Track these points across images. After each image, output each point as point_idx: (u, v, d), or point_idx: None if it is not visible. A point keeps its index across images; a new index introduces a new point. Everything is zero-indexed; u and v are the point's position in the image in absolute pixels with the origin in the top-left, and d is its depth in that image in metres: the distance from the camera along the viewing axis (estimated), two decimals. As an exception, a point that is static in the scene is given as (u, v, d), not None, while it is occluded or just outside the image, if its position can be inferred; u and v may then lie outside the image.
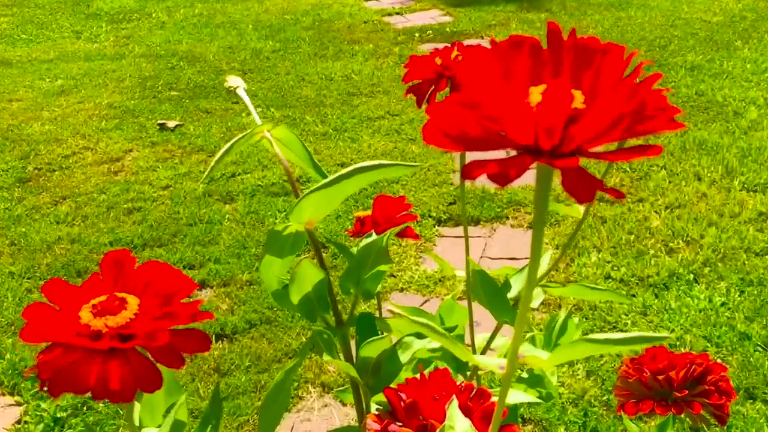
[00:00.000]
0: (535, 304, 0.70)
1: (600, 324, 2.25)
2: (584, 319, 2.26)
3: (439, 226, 2.91)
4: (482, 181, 3.12)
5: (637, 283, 2.46)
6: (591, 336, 0.33)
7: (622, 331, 2.25)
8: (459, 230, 2.84)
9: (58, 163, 3.67)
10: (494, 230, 2.84)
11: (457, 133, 0.29)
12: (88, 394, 0.48)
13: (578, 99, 0.27)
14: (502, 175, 0.27)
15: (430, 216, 2.97)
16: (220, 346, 2.32)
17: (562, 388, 2.02)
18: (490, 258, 2.64)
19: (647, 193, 3.02)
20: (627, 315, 2.30)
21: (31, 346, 2.27)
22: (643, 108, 0.26)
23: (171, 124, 4.00)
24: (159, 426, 0.61)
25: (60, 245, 2.93)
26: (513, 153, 0.29)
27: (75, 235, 3.02)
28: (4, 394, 2.09)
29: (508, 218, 2.90)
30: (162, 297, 0.51)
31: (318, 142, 3.73)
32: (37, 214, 3.23)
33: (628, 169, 3.22)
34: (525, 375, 0.78)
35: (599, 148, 0.28)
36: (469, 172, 0.28)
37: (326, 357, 0.62)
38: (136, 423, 0.61)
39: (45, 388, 0.47)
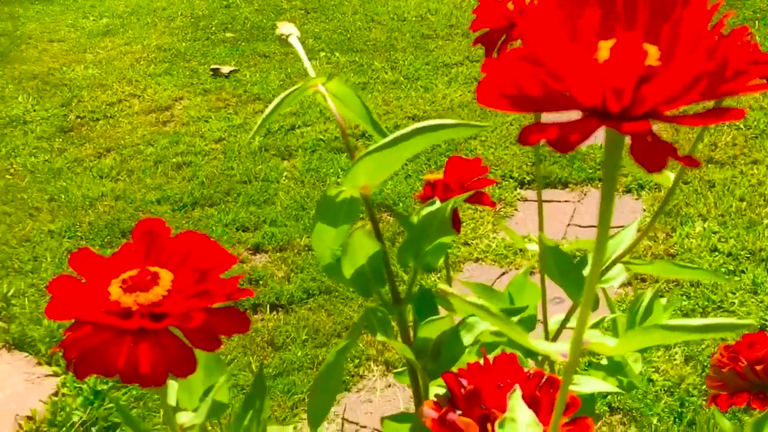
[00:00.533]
0: (614, 283, 0.69)
1: (703, 303, 2.20)
2: (685, 298, 2.22)
3: (521, 188, 2.88)
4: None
5: (747, 258, 2.39)
6: (667, 322, 0.32)
7: (728, 312, 2.19)
8: (546, 193, 2.80)
9: (102, 111, 3.77)
10: (584, 194, 2.79)
11: (514, 93, 0.28)
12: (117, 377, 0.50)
13: (652, 56, 0.26)
14: (563, 140, 0.26)
15: (511, 177, 2.94)
16: (275, 317, 2.37)
17: (656, 374, 1.99)
18: (579, 226, 2.60)
19: (763, 154, 2.91)
20: (734, 293, 2.24)
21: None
22: (726, 67, 0.25)
23: (225, 69, 4.05)
24: (196, 409, 0.63)
25: (103, 202, 3.03)
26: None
27: (119, 192, 3.11)
28: (41, 364, 2.18)
29: (600, 180, 2.85)
30: (198, 272, 0.52)
31: (387, 91, 3.72)
32: (78, 167, 3.33)
33: (741, 126, 3.10)
34: (604, 362, 0.77)
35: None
36: (526, 136, 0.28)
37: (380, 337, 0.62)
38: (173, 404, 0.63)
39: (72, 369, 0.49)
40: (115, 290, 0.51)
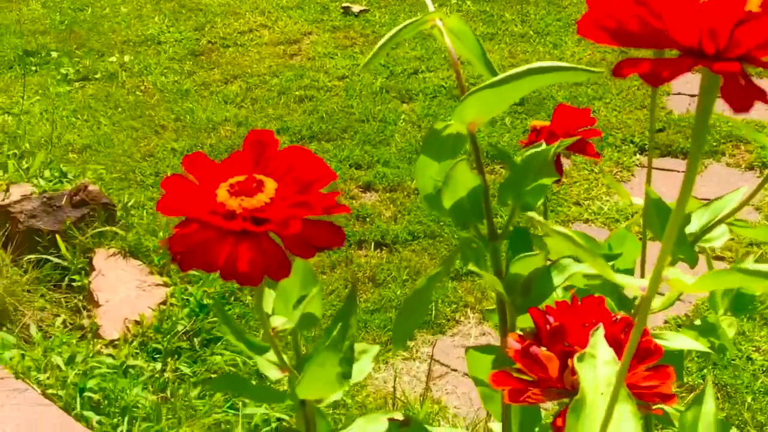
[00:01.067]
0: (717, 243, 0.68)
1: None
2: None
3: (641, 154, 2.81)
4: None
5: None
6: (746, 266, 0.32)
7: None
8: (666, 162, 2.73)
9: (233, 38, 3.87)
10: (705, 167, 2.71)
11: (614, 27, 0.29)
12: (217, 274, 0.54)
13: (754, 2, 0.26)
14: (655, 74, 0.27)
15: (631, 142, 2.87)
16: (378, 255, 2.42)
17: (756, 354, 1.94)
18: (695, 197, 2.52)
19: None
20: None
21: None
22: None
23: (356, 8, 4.08)
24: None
25: (225, 126, 3.13)
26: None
27: (242, 118, 3.20)
28: (152, 273, 2.30)
29: (724, 155, 2.75)
30: (300, 184, 0.54)
31: (515, 44, 3.67)
32: (205, 90, 3.44)
33: None
34: (698, 322, 0.76)
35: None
36: (619, 69, 0.28)
37: (472, 266, 0.64)
38: (269, 311, 0.67)
39: (176, 263, 0.53)
40: (222, 193, 0.54)
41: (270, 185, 0.54)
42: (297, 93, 3.38)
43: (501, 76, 0.65)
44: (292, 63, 3.65)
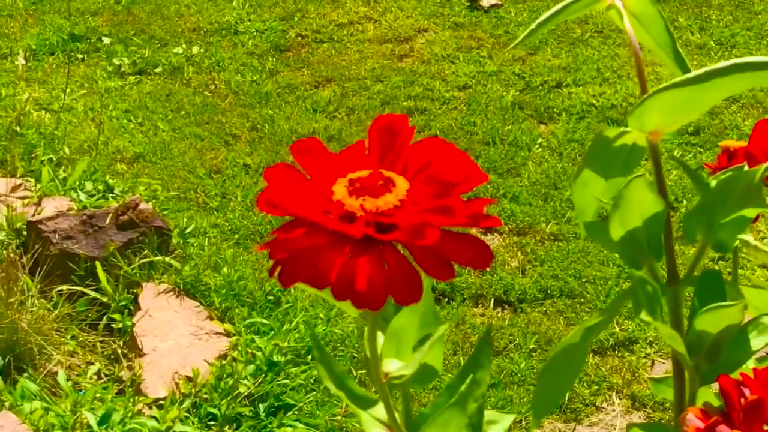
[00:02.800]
0: None
1: None
2: None
3: None
4: None
5: None
6: None
7: None
8: None
9: (329, 32, 3.97)
10: None
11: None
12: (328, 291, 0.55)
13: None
14: None
15: None
16: (499, 315, 2.41)
17: None
18: None
19: None
20: None
21: (257, 262, 2.53)
22: None
23: (486, 1, 4.12)
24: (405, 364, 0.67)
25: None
26: None
27: (334, 131, 3.27)
28: (212, 318, 2.35)
29: None
30: (438, 185, 0.55)
31: (689, 55, 3.64)
32: (290, 95, 3.53)
33: None
34: None
35: None
36: None
37: (645, 315, 0.63)
38: (378, 349, 0.67)
39: (276, 273, 0.55)
40: (340, 190, 0.55)
41: (401, 184, 0.55)
42: (405, 104, 3.42)
43: (695, 73, 0.65)
44: (402, 66, 3.71)
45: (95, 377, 2.21)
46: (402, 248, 0.54)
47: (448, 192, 0.55)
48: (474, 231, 2.69)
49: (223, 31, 4.00)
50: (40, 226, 2.49)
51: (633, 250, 0.68)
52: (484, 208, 0.55)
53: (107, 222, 2.50)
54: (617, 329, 2.34)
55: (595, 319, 0.68)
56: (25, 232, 2.53)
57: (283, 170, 0.58)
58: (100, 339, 2.32)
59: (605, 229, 0.69)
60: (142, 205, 2.54)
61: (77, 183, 2.79)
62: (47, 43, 3.91)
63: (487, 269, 2.51)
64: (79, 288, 2.39)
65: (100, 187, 2.78)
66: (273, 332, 2.29)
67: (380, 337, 0.72)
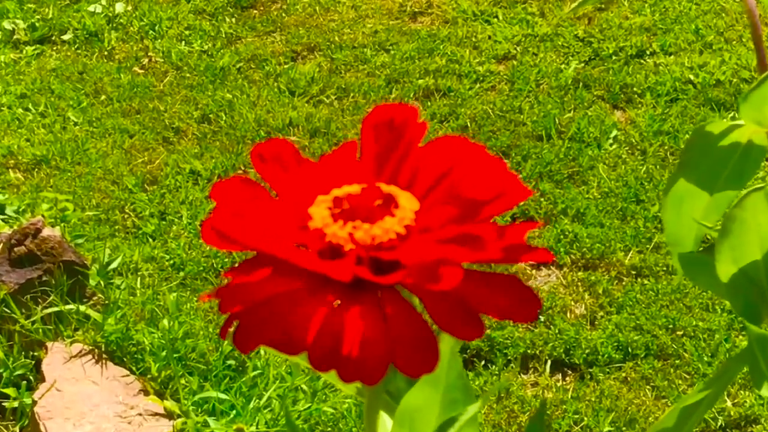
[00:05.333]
0: None
1: None
2: None
3: None
4: None
5: None
6: None
7: None
8: None
9: (312, -18, 3.98)
10: None
11: None
12: (302, 360, 0.55)
13: None
14: None
15: None
16: (558, 383, 2.41)
17: None
18: None
19: None
20: None
21: (211, 311, 2.53)
22: None
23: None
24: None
25: (290, 137, 3.19)
26: None
27: (320, 122, 3.27)
28: (148, 393, 2.34)
29: None
30: (461, 204, 0.56)
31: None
32: (257, 71, 3.54)
33: None
34: None
35: None
36: None
37: (766, 390, 0.63)
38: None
39: (228, 332, 0.55)
40: (320, 213, 0.56)
41: (407, 204, 0.55)
42: (421, 82, 3.43)
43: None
44: (416, 29, 3.72)
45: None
46: (409, 294, 0.54)
47: (474, 214, 0.55)
48: (519, 267, 2.69)
49: (161, -19, 4.01)
50: None
51: (750, 295, 0.68)
52: (527, 235, 0.55)
53: (-4, 256, 2.50)
54: (728, 403, 2.33)
55: (696, 395, 0.68)
56: None
57: (239, 186, 0.58)
58: (-13, 423, 2.32)
59: (709, 264, 0.69)
60: (46, 231, 2.53)
61: (-48, 200, 2.79)
62: None
63: (538, 320, 2.50)
64: (-45, 351, 2.39)
65: (-15, 206, 2.78)
66: (235, 412, 2.28)
67: (387, 421, 0.72)
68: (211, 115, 3.32)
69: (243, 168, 3.08)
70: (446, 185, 0.57)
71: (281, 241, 0.55)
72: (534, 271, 2.72)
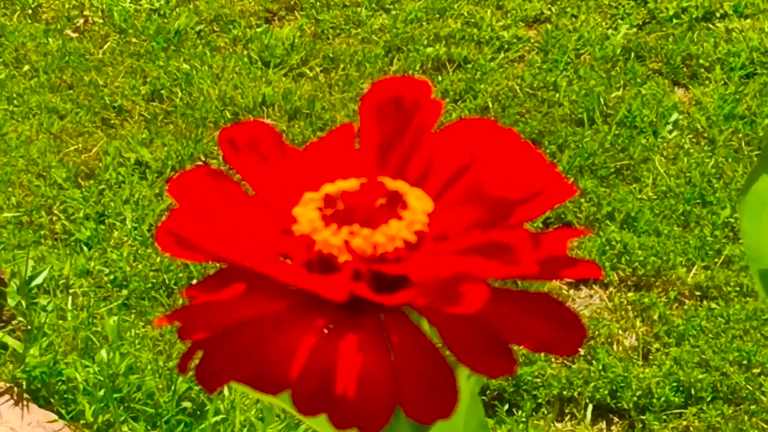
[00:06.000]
0: None
1: None
2: None
3: None
4: None
5: None
6: None
7: None
8: None
9: None
10: None
11: None
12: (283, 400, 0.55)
13: None
14: None
15: None
16: (601, 434, 2.41)
17: None
18: None
19: None
20: None
21: (162, 339, 2.53)
22: None
23: None
24: None
25: (263, 118, 3.20)
26: None
27: (302, 102, 3.28)
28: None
29: None
30: (486, 204, 0.56)
31: None
32: (222, 35, 3.55)
33: None
34: None
35: None
36: None
37: None
38: None
39: (188, 364, 0.55)
40: (307, 215, 0.56)
41: (417, 204, 0.55)
42: (430, 51, 3.43)
43: None
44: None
45: None
46: (420, 319, 0.54)
47: (503, 217, 0.56)
48: (552, 285, 2.70)
49: None
50: None
51: None
52: (569, 244, 0.55)
53: None
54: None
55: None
56: None
57: (205, 179, 0.58)
58: None
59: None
60: (-47, 237, 2.54)
61: None
62: None
63: (578, 353, 2.50)
64: None
65: None
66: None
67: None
68: (163, 91, 3.33)
69: (203, 158, 3.08)
70: (467, 181, 0.57)
71: (258, 250, 0.55)
72: (572, 291, 2.73)
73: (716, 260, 2.75)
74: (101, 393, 2.40)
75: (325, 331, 0.54)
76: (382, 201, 0.56)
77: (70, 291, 2.69)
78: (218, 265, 0.57)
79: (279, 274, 0.54)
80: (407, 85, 0.59)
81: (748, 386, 2.47)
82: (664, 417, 2.44)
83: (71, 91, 3.33)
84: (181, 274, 2.73)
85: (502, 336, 0.53)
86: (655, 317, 2.63)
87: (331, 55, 3.42)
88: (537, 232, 0.55)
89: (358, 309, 0.54)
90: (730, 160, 3.01)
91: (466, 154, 0.58)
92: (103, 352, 2.48)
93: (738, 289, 2.67)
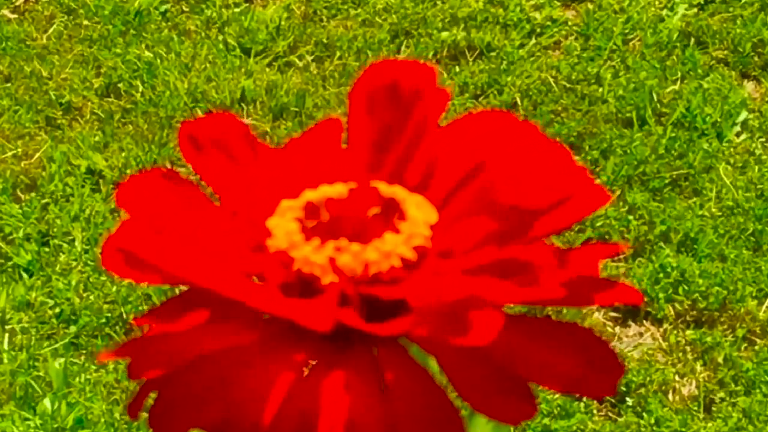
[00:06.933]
0: None
1: None
2: None
3: None
4: None
5: None
6: None
7: None
8: None
9: None
10: None
11: None
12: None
13: None
14: None
15: None
16: None
17: None
18: None
19: None
20: None
21: (118, 385, 2.53)
22: None
23: None
24: None
25: (245, 121, 3.21)
26: None
27: (289, 97, 3.29)
28: None
29: None
30: (503, 213, 0.56)
31: None
32: (192, 16, 3.56)
33: None
34: None
35: None
36: None
37: None
38: None
39: (141, 407, 0.55)
40: (284, 227, 0.56)
41: (418, 213, 0.56)
42: (446, 35, 3.44)
43: None
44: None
45: None
46: (421, 353, 0.55)
47: (522, 229, 0.56)
48: (593, 321, 2.70)
49: None
50: None
51: None
52: (604, 264, 0.56)
53: None
54: None
55: None
56: None
57: (161, 184, 0.59)
58: None
59: None
60: None
61: None
62: None
63: (624, 404, 2.51)
64: None
65: None
66: None
67: None
68: (120, 85, 3.34)
69: (171, 165, 3.08)
70: (479, 185, 0.57)
71: (224, 270, 0.56)
72: (617, 328, 2.73)
73: (795, 292, 2.76)
74: None
75: (306, 367, 0.54)
76: (375, 210, 0.56)
77: (7, 327, 2.70)
78: (180, 288, 0.57)
79: (250, 298, 0.54)
80: (406, 69, 0.59)
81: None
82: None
83: (8, 85, 3.34)
84: (142, 306, 2.73)
85: (519, 373, 0.53)
86: (720, 360, 2.64)
87: (325, 41, 3.43)
88: (564, 248, 0.55)
89: (346, 341, 0.54)
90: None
91: (477, 153, 0.58)
92: (47, 402, 2.49)
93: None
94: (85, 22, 3.52)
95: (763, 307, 2.71)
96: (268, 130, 3.15)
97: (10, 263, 2.87)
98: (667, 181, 3.01)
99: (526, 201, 0.56)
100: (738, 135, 3.13)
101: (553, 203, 0.56)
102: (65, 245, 2.91)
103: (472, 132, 0.58)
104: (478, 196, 0.57)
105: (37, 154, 3.15)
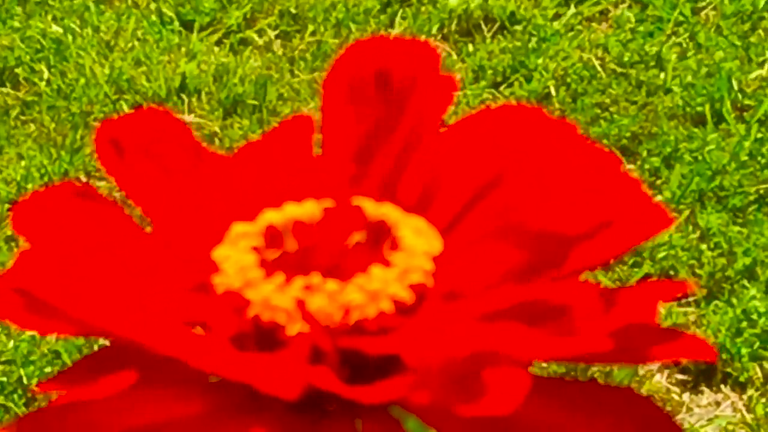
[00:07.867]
0: None
1: None
2: None
3: None
4: None
5: None
6: None
7: None
8: None
9: None
10: None
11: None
12: None
13: None
14: None
15: None
16: None
17: None
18: None
19: None
20: None
21: None
22: None
23: None
24: None
25: (185, 118, 3.23)
26: None
27: (246, 85, 3.30)
28: None
29: None
30: (528, 239, 0.56)
31: None
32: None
33: None
34: None
35: None
36: None
37: None
38: None
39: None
40: (236, 260, 0.57)
41: (416, 241, 0.56)
42: (454, 3, 3.46)
43: None
44: None
45: None
46: (420, 426, 0.55)
47: (553, 261, 0.56)
48: (656, 386, 2.71)
49: None
50: None
51: None
52: (663, 309, 0.56)
53: None
54: None
55: None
56: None
57: (72, 203, 0.59)
58: None
59: None
60: None
61: None
62: None
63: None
64: None
65: None
66: None
67: None
68: (18, 70, 3.36)
69: (86, 177, 3.10)
70: (498, 204, 0.57)
71: (157, 317, 0.56)
72: (686, 395, 2.74)
73: None
74: None
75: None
76: (358, 237, 0.56)
77: None
78: (98, 342, 0.57)
79: (190, 355, 0.54)
80: (400, 50, 0.60)
81: None
82: None
83: None
84: (48, 369, 2.74)
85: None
86: (826, 440, 2.65)
87: (293, 11, 3.45)
88: (610, 288, 0.55)
89: (320, 411, 0.54)
90: None
91: (495, 161, 0.58)
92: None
93: None
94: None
95: None
96: (218, 130, 3.17)
97: None
98: (751, 198, 3.02)
99: (560, 224, 0.56)
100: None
101: (596, 227, 0.56)
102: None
103: (488, 133, 0.58)
104: (495, 217, 0.57)
105: None
